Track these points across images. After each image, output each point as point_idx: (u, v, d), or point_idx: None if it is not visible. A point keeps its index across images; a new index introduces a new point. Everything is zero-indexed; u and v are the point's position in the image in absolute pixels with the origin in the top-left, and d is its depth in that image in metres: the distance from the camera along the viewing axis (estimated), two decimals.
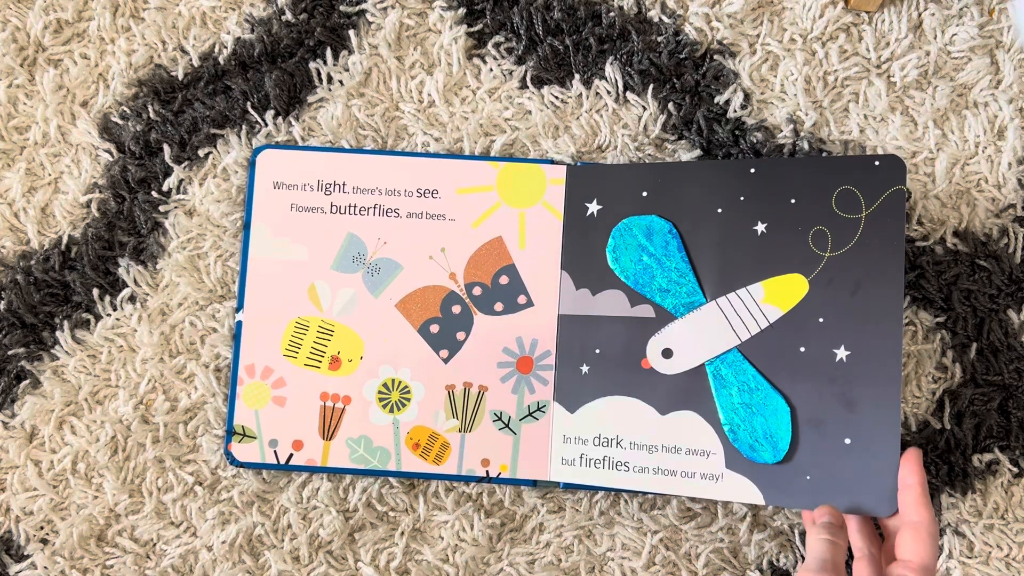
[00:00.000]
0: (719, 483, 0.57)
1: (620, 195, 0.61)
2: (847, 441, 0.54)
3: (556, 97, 0.66)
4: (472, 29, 0.66)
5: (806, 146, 0.64)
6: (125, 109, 0.65)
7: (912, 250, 0.64)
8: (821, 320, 0.56)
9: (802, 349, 0.56)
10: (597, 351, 0.60)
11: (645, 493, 0.62)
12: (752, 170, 0.58)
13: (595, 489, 0.62)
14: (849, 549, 0.52)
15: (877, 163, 0.56)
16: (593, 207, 0.62)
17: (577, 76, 0.66)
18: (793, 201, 0.57)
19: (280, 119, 0.65)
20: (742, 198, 0.58)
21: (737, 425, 0.57)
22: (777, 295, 0.57)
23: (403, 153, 0.64)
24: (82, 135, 0.65)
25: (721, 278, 0.58)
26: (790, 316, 0.56)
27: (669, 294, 0.59)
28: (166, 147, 0.65)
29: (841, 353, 0.55)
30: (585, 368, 0.61)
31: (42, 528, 0.63)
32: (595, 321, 0.61)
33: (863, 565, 0.51)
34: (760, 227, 0.58)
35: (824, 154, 0.64)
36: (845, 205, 0.56)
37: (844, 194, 0.56)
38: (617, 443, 0.59)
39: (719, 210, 0.59)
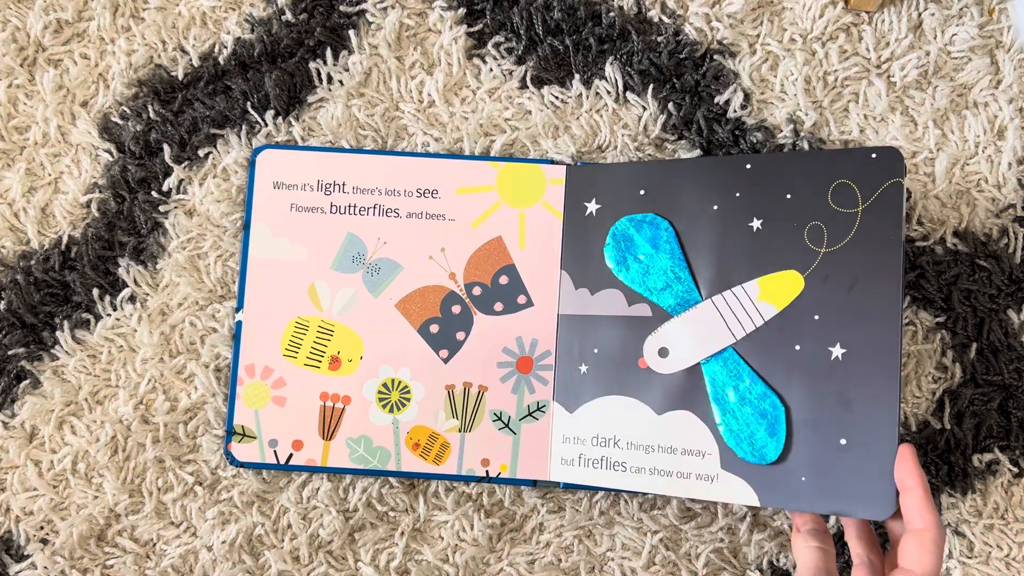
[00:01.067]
0: (714, 484, 0.56)
1: (618, 194, 0.61)
2: (843, 442, 0.53)
3: (556, 97, 0.66)
4: (472, 29, 0.66)
5: (806, 146, 0.64)
6: (125, 109, 0.65)
7: (912, 250, 0.64)
8: (816, 317, 0.54)
9: (797, 347, 0.55)
10: (595, 351, 0.60)
11: (643, 494, 0.62)
12: (748, 166, 0.57)
13: (593, 489, 0.62)
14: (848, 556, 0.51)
15: (874, 156, 0.54)
16: (592, 206, 0.62)
17: (577, 76, 0.66)
18: (789, 196, 0.56)
19: (280, 119, 0.65)
20: (738, 194, 0.57)
21: (732, 425, 0.56)
22: (772, 292, 0.56)
23: (403, 153, 0.64)
24: (82, 135, 0.65)
25: (717, 276, 0.57)
26: (785, 313, 0.55)
27: (665, 293, 0.59)
28: (166, 147, 0.65)
29: (837, 351, 0.53)
30: (584, 368, 0.60)
31: (42, 528, 0.63)
32: (593, 321, 0.60)
33: (862, 573, 0.50)
34: (756, 223, 0.57)
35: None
36: (841, 199, 0.55)
37: (840, 188, 0.55)
38: (615, 443, 0.59)
39: (715, 207, 0.58)
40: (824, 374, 0.54)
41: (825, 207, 0.55)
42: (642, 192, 0.60)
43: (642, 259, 0.59)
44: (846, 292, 0.54)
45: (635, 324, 0.59)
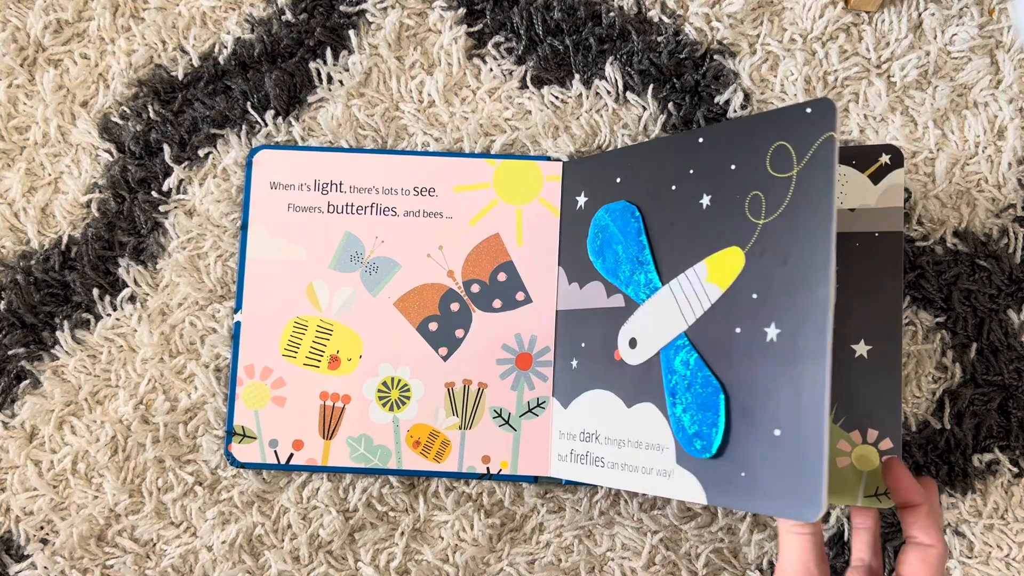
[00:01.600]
0: (670, 480, 0.51)
1: (601, 185, 0.60)
2: (777, 432, 0.46)
3: (556, 97, 0.66)
4: (472, 29, 0.66)
5: None
6: (125, 109, 0.66)
7: (912, 250, 0.64)
8: (755, 296, 0.48)
9: (738, 330, 0.49)
10: (583, 345, 0.59)
11: (619, 490, 0.62)
12: (700, 140, 0.53)
13: (581, 485, 0.62)
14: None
15: (809, 110, 0.47)
16: (582, 200, 0.61)
17: (577, 76, 0.66)
18: (733, 167, 0.51)
19: (280, 119, 0.65)
20: (691, 171, 0.53)
21: (681, 416, 0.51)
22: (718, 272, 0.51)
23: (400, 152, 0.64)
24: (82, 135, 0.65)
25: (675, 260, 0.54)
26: (729, 294, 0.50)
27: (634, 281, 0.56)
28: (166, 147, 0.65)
29: (772, 332, 0.47)
30: (575, 362, 0.60)
31: (42, 528, 0.63)
32: (582, 315, 0.60)
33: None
34: (705, 200, 0.52)
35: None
36: (779, 164, 0.48)
37: (778, 151, 0.48)
38: (595, 438, 0.57)
39: (673, 187, 0.54)
40: (760, 358, 0.48)
41: (764, 174, 0.49)
42: (619, 180, 0.58)
43: (617, 248, 0.58)
44: (781, 266, 0.47)
45: (612, 316, 0.57)
